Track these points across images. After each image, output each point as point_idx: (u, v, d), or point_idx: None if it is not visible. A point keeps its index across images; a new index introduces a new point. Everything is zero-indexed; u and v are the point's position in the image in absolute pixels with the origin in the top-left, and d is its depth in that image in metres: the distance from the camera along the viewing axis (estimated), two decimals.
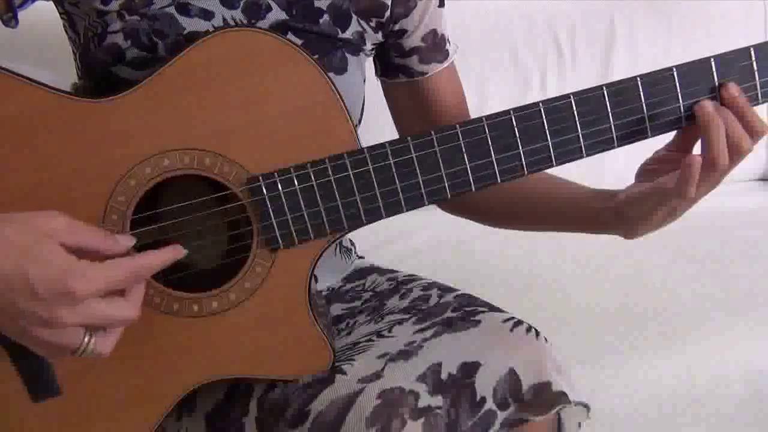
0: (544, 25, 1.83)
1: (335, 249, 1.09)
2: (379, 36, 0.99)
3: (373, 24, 0.97)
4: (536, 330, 0.91)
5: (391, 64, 1.04)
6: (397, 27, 1.00)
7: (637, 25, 1.84)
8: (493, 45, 1.80)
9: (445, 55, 1.04)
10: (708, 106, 0.82)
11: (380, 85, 1.09)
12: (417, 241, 1.63)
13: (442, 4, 1.02)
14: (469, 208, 1.10)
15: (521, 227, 1.10)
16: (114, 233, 0.77)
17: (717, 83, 0.83)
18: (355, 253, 1.16)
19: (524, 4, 1.83)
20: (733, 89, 0.83)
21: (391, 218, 0.86)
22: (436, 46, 1.03)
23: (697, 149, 0.84)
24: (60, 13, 0.92)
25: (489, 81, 1.79)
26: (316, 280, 1.05)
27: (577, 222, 0.98)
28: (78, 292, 0.67)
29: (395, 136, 0.95)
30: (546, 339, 0.91)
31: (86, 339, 0.70)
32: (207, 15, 0.88)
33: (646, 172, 0.89)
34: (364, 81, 0.99)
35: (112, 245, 0.73)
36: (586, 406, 0.93)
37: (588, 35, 1.84)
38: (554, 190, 1.00)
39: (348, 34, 0.95)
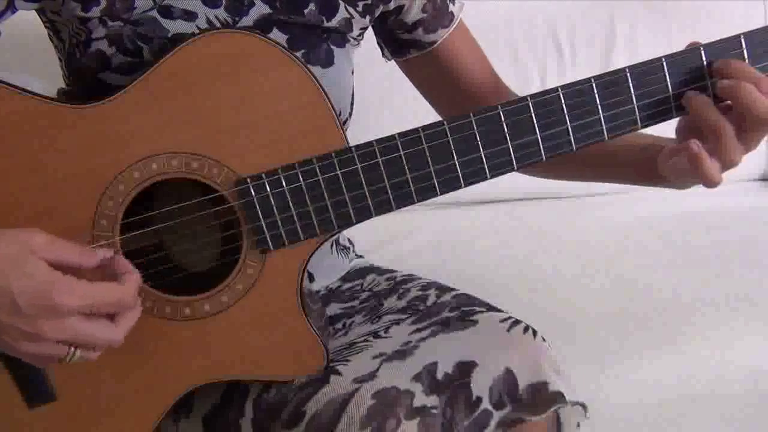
0: (544, 25, 1.82)
1: (332, 248, 1.08)
2: (367, 20, 0.98)
3: (360, 8, 0.96)
4: (534, 330, 0.90)
5: (399, 41, 1.03)
6: (392, 5, 0.99)
7: (637, 25, 1.83)
8: (493, 45, 1.78)
9: (450, 17, 1.02)
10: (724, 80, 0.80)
11: (399, 68, 1.07)
12: (417, 241, 1.62)
13: None
14: None
15: (576, 178, 1.08)
16: (104, 239, 0.77)
17: (706, 63, 0.82)
18: (353, 251, 1.15)
19: (524, 4, 1.83)
20: (737, 62, 0.80)
21: (390, 218, 0.86)
22: (438, 12, 1.01)
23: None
24: (43, 22, 0.91)
25: None
26: (313, 279, 1.04)
27: (633, 173, 0.95)
28: (61, 305, 0.67)
29: (391, 133, 0.94)
30: (544, 339, 0.90)
31: (71, 350, 0.71)
32: (190, 16, 0.87)
33: (684, 129, 0.85)
34: (352, 73, 0.98)
35: (90, 260, 0.73)
36: (584, 406, 0.92)
37: (588, 35, 1.83)
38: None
39: (334, 23, 0.94)
